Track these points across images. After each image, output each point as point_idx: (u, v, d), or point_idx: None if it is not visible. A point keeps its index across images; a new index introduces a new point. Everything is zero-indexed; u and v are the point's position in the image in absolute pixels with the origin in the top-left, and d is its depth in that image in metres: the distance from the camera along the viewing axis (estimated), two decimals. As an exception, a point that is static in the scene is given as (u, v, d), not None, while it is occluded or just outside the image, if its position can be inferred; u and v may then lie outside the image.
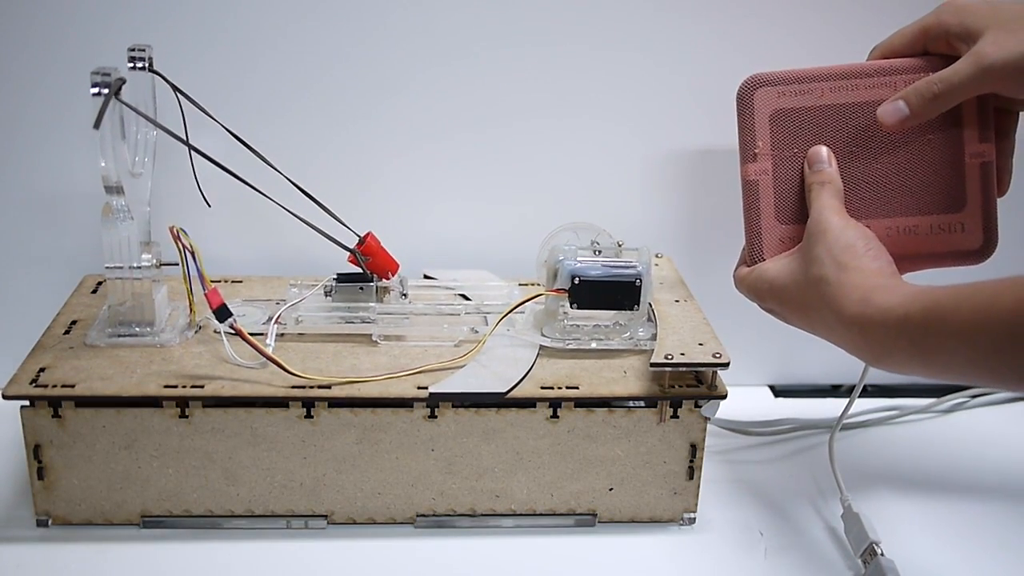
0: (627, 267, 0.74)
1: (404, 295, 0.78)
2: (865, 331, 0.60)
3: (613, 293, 0.73)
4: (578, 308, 0.74)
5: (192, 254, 0.70)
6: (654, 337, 0.74)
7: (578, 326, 0.76)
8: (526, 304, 0.76)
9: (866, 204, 0.69)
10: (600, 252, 0.75)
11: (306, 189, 0.76)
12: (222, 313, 0.69)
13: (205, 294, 0.69)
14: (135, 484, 0.70)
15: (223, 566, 0.69)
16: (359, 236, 0.77)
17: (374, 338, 0.75)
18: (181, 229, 0.70)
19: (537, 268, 0.78)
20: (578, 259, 0.74)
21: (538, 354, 0.74)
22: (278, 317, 0.74)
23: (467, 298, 0.82)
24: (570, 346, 0.75)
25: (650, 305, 0.77)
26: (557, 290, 0.74)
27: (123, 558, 0.69)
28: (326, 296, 0.77)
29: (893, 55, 0.69)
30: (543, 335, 0.76)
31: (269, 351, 0.69)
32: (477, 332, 0.76)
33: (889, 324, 0.58)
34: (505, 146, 0.87)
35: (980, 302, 0.54)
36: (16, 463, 0.76)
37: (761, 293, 0.68)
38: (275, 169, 0.75)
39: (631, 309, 0.74)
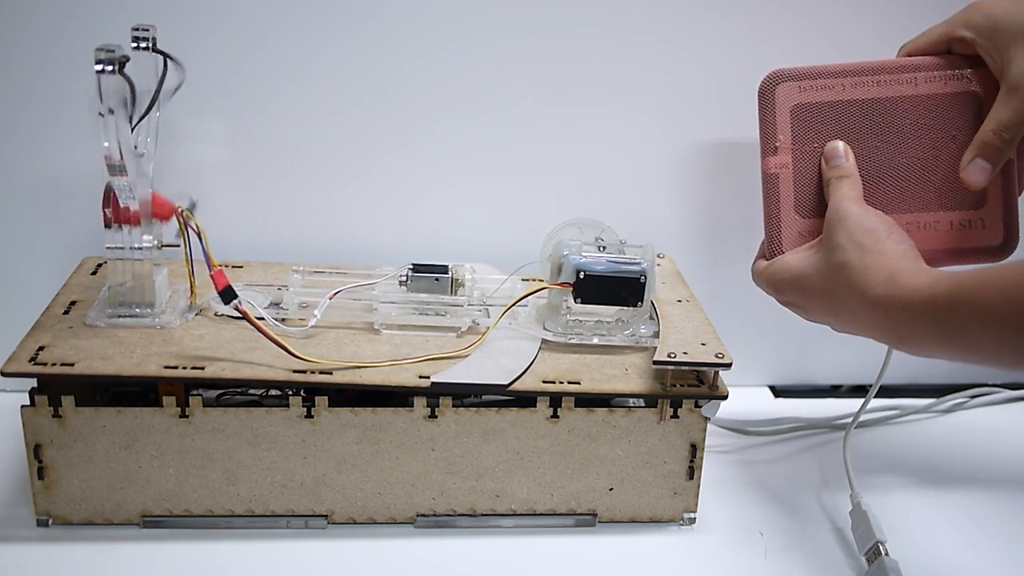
0: (632, 263, 0.74)
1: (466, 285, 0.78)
2: (890, 313, 0.59)
3: (617, 289, 0.73)
4: (582, 303, 0.74)
5: (199, 235, 0.70)
6: (656, 335, 0.74)
7: (580, 321, 0.76)
8: (529, 298, 0.76)
9: (886, 199, 0.69)
10: (604, 248, 0.75)
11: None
12: (227, 295, 0.69)
13: (211, 275, 0.69)
14: (135, 484, 0.70)
15: (223, 566, 0.69)
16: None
17: (376, 326, 0.76)
18: (188, 210, 0.70)
19: (541, 263, 0.78)
20: (583, 254, 0.74)
21: (540, 348, 0.74)
22: (335, 295, 0.74)
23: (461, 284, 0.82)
24: (572, 341, 0.75)
25: (652, 303, 0.77)
26: (562, 284, 0.74)
27: (123, 558, 0.69)
28: (400, 285, 0.77)
29: (919, 54, 0.69)
30: (545, 329, 0.76)
31: (308, 327, 0.71)
32: (478, 324, 0.77)
33: (915, 305, 0.58)
34: (509, 139, 0.87)
35: (1007, 285, 0.54)
36: (16, 463, 0.76)
37: (781, 285, 0.68)
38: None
39: (635, 305, 0.74)
